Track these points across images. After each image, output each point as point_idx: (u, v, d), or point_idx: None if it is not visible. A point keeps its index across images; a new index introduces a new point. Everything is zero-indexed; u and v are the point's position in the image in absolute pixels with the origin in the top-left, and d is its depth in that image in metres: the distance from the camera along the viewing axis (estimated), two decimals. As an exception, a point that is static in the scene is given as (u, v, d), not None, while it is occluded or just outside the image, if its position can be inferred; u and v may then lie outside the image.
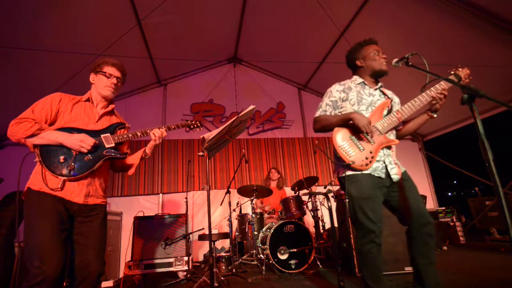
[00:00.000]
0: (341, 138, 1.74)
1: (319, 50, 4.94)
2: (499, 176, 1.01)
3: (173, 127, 1.85)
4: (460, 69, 1.73)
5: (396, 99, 1.93)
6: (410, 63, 1.55)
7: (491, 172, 1.02)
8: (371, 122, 1.69)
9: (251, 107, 2.12)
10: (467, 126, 5.04)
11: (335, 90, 1.86)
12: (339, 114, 1.83)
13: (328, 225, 4.20)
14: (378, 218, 1.65)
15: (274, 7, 4.30)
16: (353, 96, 1.82)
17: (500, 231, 4.58)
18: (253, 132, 5.73)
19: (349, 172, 1.73)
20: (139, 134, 1.73)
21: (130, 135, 1.70)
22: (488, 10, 3.11)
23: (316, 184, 4.28)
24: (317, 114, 1.89)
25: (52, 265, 1.33)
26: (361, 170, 1.70)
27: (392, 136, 1.81)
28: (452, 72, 1.73)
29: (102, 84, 1.69)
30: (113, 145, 1.65)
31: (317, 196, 4.07)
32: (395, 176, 1.71)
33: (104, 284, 2.99)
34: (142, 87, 5.38)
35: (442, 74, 1.34)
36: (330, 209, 2.43)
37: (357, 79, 1.90)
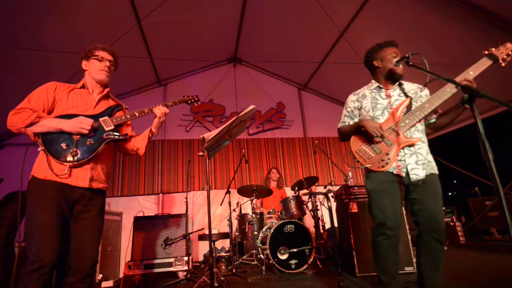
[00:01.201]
0: (357, 144, 1.81)
1: (319, 50, 4.94)
2: (499, 176, 1.01)
3: (170, 103, 1.88)
4: (500, 46, 1.59)
5: (423, 92, 1.84)
6: (410, 63, 1.55)
7: (491, 172, 1.02)
8: (385, 125, 1.74)
9: (251, 107, 2.12)
10: (467, 126, 5.03)
11: (350, 101, 1.96)
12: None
13: (328, 225, 4.20)
14: (391, 212, 1.68)
15: (274, 7, 4.30)
16: (367, 103, 1.87)
17: (500, 231, 4.58)
18: (253, 132, 5.73)
19: (369, 171, 1.81)
20: (137, 114, 1.76)
21: (128, 116, 1.73)
22: (488, 10, 3.11)
23: (316, 184, 4.28)
24: (339, 126, 2.01)
25: (49, 252, 1.37)
26: (378, 171, 1.74)
27: (417, 133, 1.74)
28: (487, 53, 1.60)
29: (95, 68, 1.70)
30: (112, 127, 1.66)
31: (317, 196, 4.07)
32: (413, 176, 1.68)
33: (104, 284, 2.99)
34: (142, 87, 5.38)
35: (442, 73, 1.34)
36: (330, 209, 2.43)
37: (373, 83, 1.92)
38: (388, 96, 1.83)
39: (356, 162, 1.81)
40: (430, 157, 1.76)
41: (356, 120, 1.91)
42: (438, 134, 5.78)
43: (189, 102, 2.04)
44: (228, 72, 5.90)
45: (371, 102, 1.85)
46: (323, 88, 6.07)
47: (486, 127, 1.05)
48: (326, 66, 5.23)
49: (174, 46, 4.76)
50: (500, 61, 1.56)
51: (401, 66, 1.77)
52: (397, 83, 1.86)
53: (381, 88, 1.87)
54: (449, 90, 1.63)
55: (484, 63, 1.59)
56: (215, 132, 2.08)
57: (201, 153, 2.20)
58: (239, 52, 5.73)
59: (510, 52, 1.57)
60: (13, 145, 4.44)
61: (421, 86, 1.87)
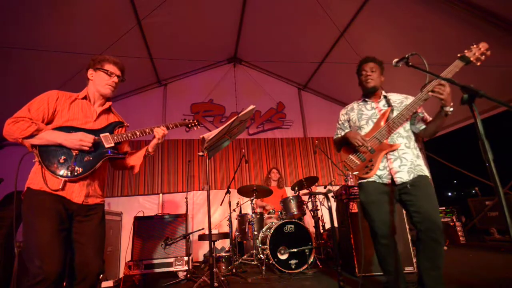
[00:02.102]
0: (346, 155, 2.03)
1: (319, 50, 4.94)
2: (499, 176, 1.01)
3: (171, 126, 1.86)
4: (473, 47, 1.61)
5: (409, 101, 1.91)
6: (410, 63, 1.55)
7: (491, 172, 1.01)
8: (369, 134, 1.91)
9: (251, 107, 2.12)
10: (467, 126, 5.04)
11: (341, 115, 2.19)
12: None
13: (328, 225, 4.20)
14: (380, 222, 1.82)
15: (274, 7, 4.30)
16: (353, 115, 2.07)
17: (500, 231, 4.58)
18: (253, 132, 5.73)
19: (359, 181, 1.97)
20: (138, 133, 1.73)
21: (129, 134, 1.70)
22: (488, 10, 3.11)
23: (316, 184, 4.28)
24: (334, 137, 2.22)
25: (52, 264, 1.33)
26: (365, 178, 1.91)
27: (400, 139, 1.87)
28: (459, 55, 1.64)
29: (102, 82, 1.67)
30: (112, 144, 1.63)
31: (317, 196, 4.07)
32: (398, 179, 1.80)
33: (104, 284, 2.99)
34: (142, 87, 5.37)
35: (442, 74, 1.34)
36: (330, 209, 2.43)
37: (361, 97, 2.10)
38: (373, 108, 2.00)
39: (346, 170, 2.01)
40: (419, 161, 1.86)
41: (346, 131, 2.10)
42: (439, 134, 5.77)
43: (190, 126, 2.03)
44: (228, 72, 5.90)
45: (357, 114, 2.04)
46: (323, 88, 6.07)
47: (486, 127, 1.04)
48: (326, 66, 5.23)
49: (174, 46, 4.76)
50: (474, 61, 1.59)
51: (368, 79, 1.96)
52: (383, 95, 2.02)
53: (366, 101, 2.05)
54: (421, 97, 1.74)
55: (456, 66, 1.63)
56: (215, 132, 2.07)
57: (201, 153, 2.19)
58: (239, 52, 5.73)
59: (484, 51, 1.59)
60: (13, 145, 4.44)
61: (407, 96, 1.98)
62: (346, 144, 2.03)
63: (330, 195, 2.87)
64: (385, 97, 2.00)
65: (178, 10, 4.01)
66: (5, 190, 2.77)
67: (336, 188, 3.67)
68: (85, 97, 1.68)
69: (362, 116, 2.00)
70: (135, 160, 1.82)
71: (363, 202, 1.94)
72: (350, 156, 1.99)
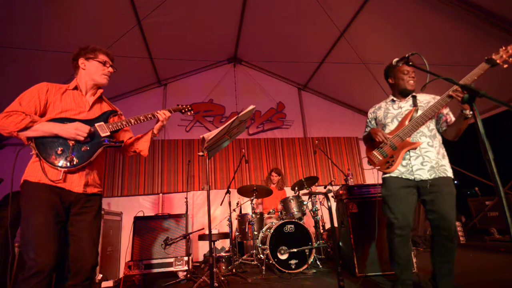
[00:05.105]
0: (369, 150, 2.13)
1: (319, 50, 4.94)
2: (499, 176, 1.01)
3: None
4: (501, 49, 1.60)
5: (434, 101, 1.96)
6: (410, 63, 1.56)
7: (491, 172, 1.02)
8: (393, 132, 1.99)
9: (251, 107, 2.12)
10: (467, 126, 5.03)
11: (369, 113, 2.28)
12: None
13: (328, 225, 4.19)
14: (399, 213, 1.90)
15: (274, 7, 4.30)
16: (380, 113, 2.16)
17: (500, 231, 4.58)
18: (253, 132, 5.72)
19: (383, 175, 2.07)
20: (132, 121, 1.74)
21: (124, 122, 1.71)
22: (488, 10, 3.11)
23: (316, 184, 4.28)
24: (363, 135, 2.32)
25: (46, 257, 1.34)
26: (387, 173, 2.00)
27: (423, 138, 1.94)
28: (486, 58, 1.64)
29: (98, 72, 1.69)
30: (108, 133, 1.64)
31: (317, 196, 4.07)
32: (417, 176, 1.89)
33: (104, 284, 2.99)
34: (142, 87, 5.37)
35: (442, 73, 1.33)
36: (330, 209, 2.43)
37: (389, 97, 2.17)
38: (400, 107, 2.06)
39: (369, 165, 2.12)
40: (444, 162, 1.93)
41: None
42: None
43: (183, 111, 2.07)
44: (228, 72, 5.90)
45: (383, 112, 2.13)
46: (323, 88, 6.07)
47: (486, 127, 1.05)
48: (326, 66, 5.22)
49: (174, 46, 4.75)
50: (501, 63, 1.59)
51: (411, 82, 1.99)
52: (411, 95, 2.05)
53: (394, 101, 2.11)
54: (443, 99, 1.79)
55: (481, 68, 1.65)
56: (215, 132, 2.07)
57: (201, 153, 2.19)
58: (239, 52, 5.73)
59: (509, 55, 1.58)
60: (13, 145, 4.44)
61: (435, 97, 1.99)
62: (371, 140, 2.12)
63: (330, 195, 2.87)
64: (413, 97, 2.05)
65: (178, 10, 4.01)
66: (5, 190, 2.77)
67: (336, 188, 3.66)
68: (75, 88, 1.69)
69: (388, 114, 2.09)
70: (143, 144, 1.85)
71: (384, 195, 2.02)
72: (373, 151, 2.08)
